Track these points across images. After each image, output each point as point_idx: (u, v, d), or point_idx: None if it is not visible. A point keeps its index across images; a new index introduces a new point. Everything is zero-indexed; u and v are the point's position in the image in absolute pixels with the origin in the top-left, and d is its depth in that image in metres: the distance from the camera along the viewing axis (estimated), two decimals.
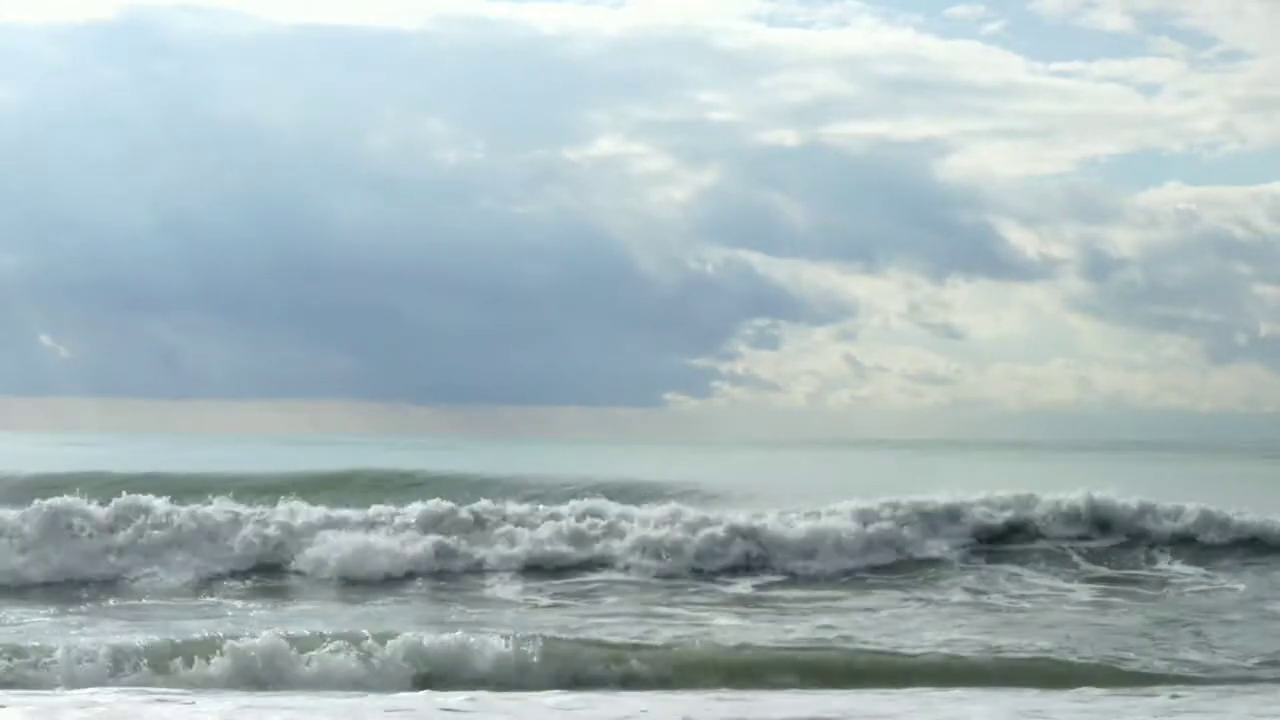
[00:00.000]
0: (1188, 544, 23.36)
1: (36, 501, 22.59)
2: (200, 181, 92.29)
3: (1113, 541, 23.39)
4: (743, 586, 21.02)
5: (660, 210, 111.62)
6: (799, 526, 22.82)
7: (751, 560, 22.16)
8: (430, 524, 22.85)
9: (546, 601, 19.73)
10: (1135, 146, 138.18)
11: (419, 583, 21.24)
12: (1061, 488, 24.32)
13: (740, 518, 23.00)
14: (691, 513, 23.12)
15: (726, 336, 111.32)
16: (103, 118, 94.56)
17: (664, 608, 18.90)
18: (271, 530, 22.37)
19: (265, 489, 26.09)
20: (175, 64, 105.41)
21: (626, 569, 21.75)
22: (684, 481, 31.44)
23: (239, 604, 19.24)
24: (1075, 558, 22.66)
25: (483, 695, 12.80)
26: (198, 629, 15.27)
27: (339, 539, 21.96)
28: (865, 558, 22.34)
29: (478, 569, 21.83)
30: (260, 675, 13.68)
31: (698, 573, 21.71)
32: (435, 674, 13.91)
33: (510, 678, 13.80)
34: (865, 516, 23.14)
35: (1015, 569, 21.96)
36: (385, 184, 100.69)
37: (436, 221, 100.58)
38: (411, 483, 30.56)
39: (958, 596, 20.09)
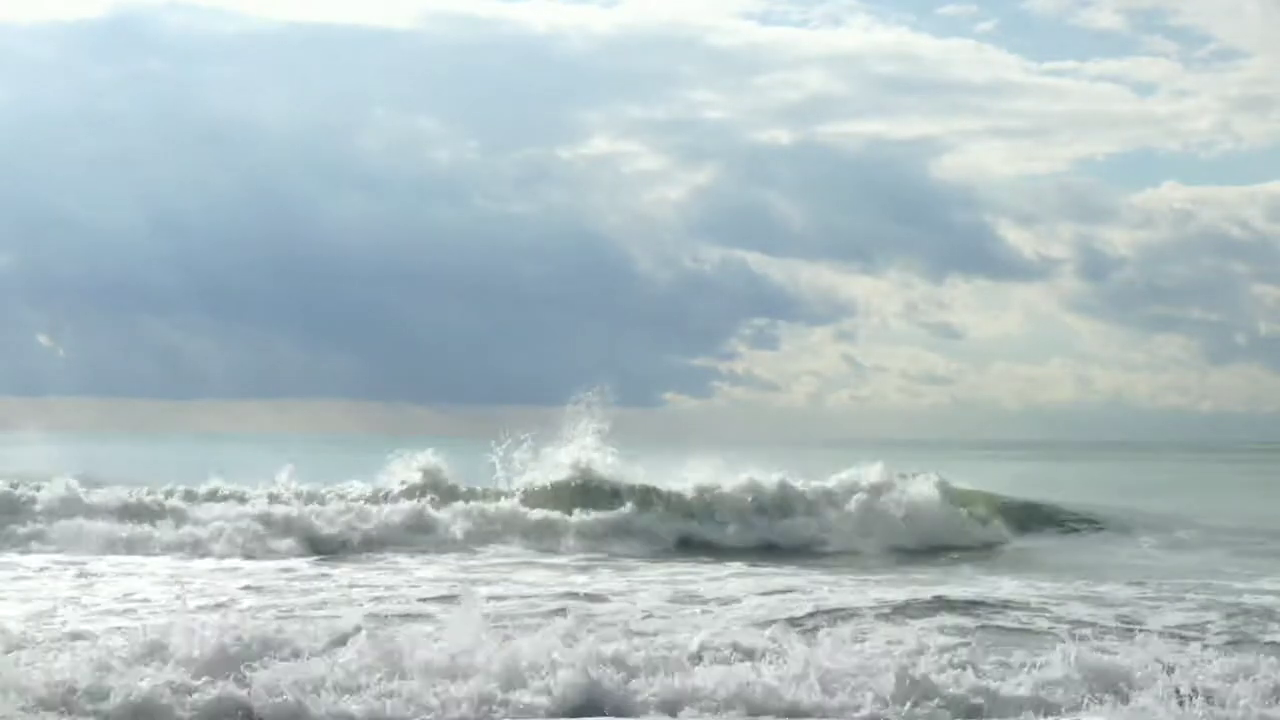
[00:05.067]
0: None
1: None
2: (194, 180, 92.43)
3: None
4: None
5: (655, 209, 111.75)
6: None
7: None
8: None
9: None
10: (1130, 146, 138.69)
11: None
12: None
13: None
14: None
15: (725, 336, 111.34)
16: (95, 116, 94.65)
17: None
18: None
19: None
20: (166, 63, 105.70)
21: None
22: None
23: None
24: None
25: None
26: None
27: None
28: None
29: None
30: None
31: None
32: None
33: None
34: None
35: None
36: (378, 183, 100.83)
37: (431, 221, 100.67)
38: None
39: None
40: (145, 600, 17.70)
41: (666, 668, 12.01)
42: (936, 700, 11.56)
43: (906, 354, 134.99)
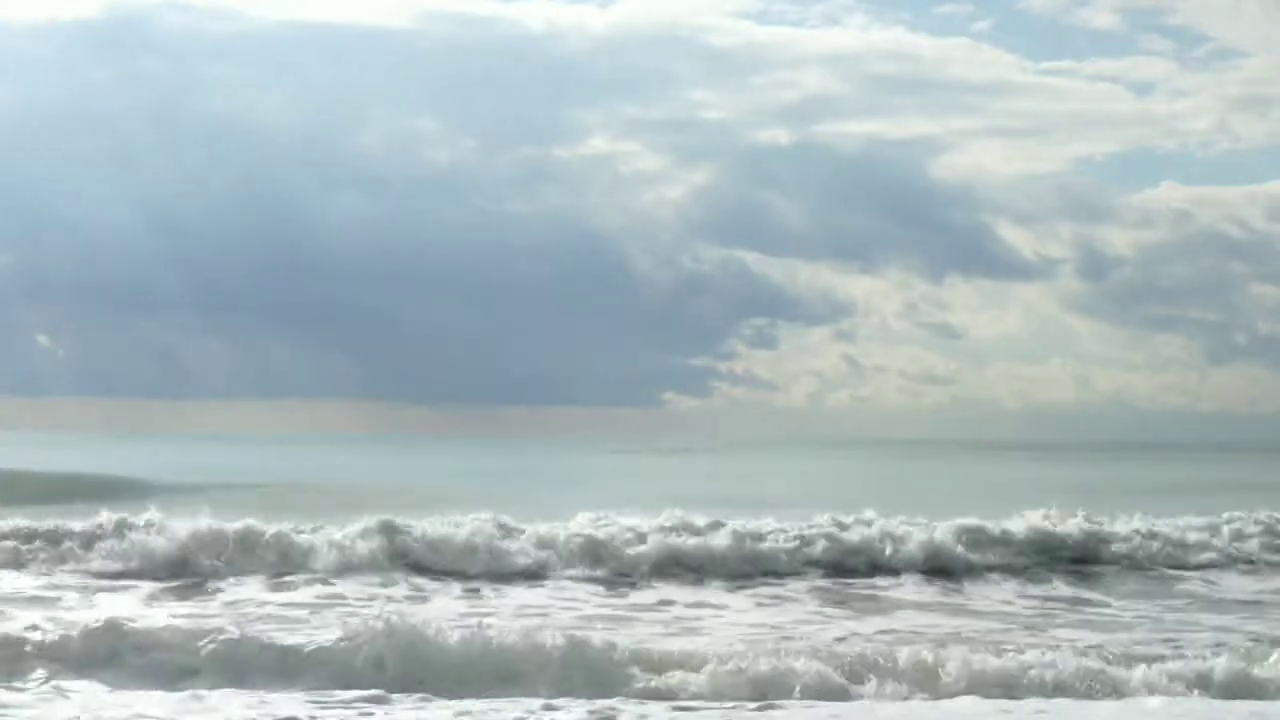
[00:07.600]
0: None
1: None
2: (192, 180, 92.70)
3: None
4: None
5: (654, 209, 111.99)
6: None
7: None
8: None
9: None
10: (1129, 146, 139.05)
11: None
12: None
13: None
14: None
15: (724, 336, 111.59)
16: (93, 116, 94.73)
17: None
18: None
19: None
20: (164, 62, 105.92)
21: None
22: None
23: None
24: None
25: None
26: None
27: None
28: None
29: None
30: None
31: None
32: None
33: None
34: None
35: None
36: (377, 182, 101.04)
37: (429, 221, 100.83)
38: None
39: None
40: None
41: None
42: None
43: (906, 354, 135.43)
